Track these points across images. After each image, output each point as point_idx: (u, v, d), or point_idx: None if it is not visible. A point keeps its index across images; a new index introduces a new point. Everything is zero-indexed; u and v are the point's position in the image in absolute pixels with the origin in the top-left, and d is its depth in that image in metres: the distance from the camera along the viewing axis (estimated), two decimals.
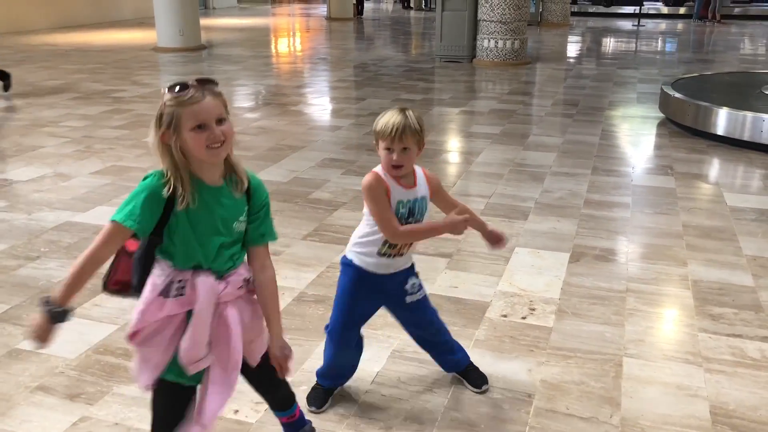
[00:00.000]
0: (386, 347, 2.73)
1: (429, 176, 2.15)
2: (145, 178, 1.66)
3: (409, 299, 2.24)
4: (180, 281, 1.67)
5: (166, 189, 1.61)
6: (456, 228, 2.05)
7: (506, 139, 6.13)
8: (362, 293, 2.20)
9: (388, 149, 1.99)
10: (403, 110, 2.01)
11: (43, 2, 16.02)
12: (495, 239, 2.30)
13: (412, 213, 2.08)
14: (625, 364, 2.62)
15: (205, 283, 1.68)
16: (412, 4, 22.56)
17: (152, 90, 8.53)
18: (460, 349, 2.48)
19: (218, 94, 1.63)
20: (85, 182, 4.84)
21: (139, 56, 11.58)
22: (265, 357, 1.85)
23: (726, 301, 3.12)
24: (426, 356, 2.48)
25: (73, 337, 2.80)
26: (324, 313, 3.00)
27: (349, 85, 9.33)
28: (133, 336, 1.70)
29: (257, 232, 1.77)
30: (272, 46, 14.49)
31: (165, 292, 1.67)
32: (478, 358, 2.59)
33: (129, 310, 2.98)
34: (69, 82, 9.03)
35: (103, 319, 2.95)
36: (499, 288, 3.25)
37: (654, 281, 3.33)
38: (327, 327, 2.32)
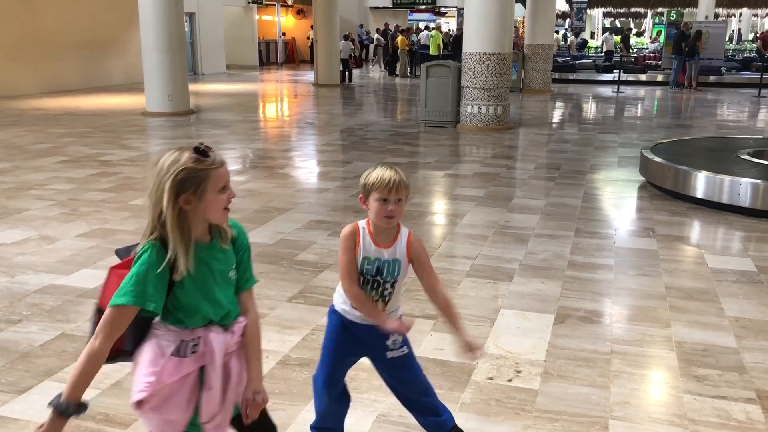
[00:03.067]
0: (371, 411, 2.70)
1: (412, 242, 2.15)
2: (141, 254, 1.64)
3: (390, 354, 2.22)
4: (193, 340, 1.69)
5: (166, 261, 1.62)
6: (397, 331, 2.12)
7: (490, 201, 6.21)
8: (342, 340, 2.22)
9: (384, 200, 2.04)
10: (390, 166, 2.09)
11: (33, 67, 16.25)
12: (468, 349, 2.14)
13: (380, 272, 2.11)
14: (611, 427, 2.61)
15: (217, 338, 1.71)
16: (398, 71, 23.10)
17: (140, 154, 8.60)
18: (445, 411, 2.45)
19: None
20: (70, 245, 4.83)
21: (127, 120, 11.72)
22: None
23: (710, 363, 3.13)
24: (412, 420, 2.45)
25: None
26: (308, 378, 2.97)
27: (336, 149, 9.46)
28: (141, 403, 1.64)
29: (242, 278, 1.81)
30: (260, 111, 14.72)
31: (178, 352, 1.68)
32: (464, 422, 2.56)
33: (110, 374, 2.96)
34: (57, 145, 9.09)
35: None
36: (484, 350, 3.25)
37: (638, 343, 3.34)
38: (314, 378, 2.33)
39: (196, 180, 1.61)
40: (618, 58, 20.32)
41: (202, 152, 1.63)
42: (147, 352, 1.69)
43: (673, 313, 3.69)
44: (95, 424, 2.61)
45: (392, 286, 2.14)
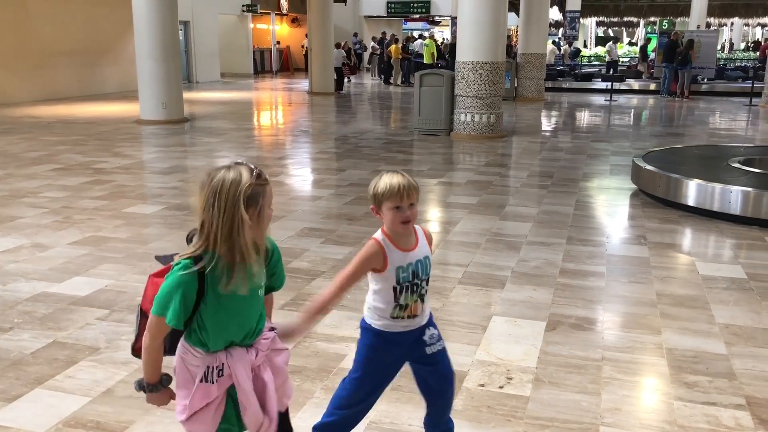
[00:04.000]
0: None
1: (427, 234, 2.23)
2: (174, 269, 1.72)
3: (429, 350, 2.24)
4: (217, 366, 1.79)
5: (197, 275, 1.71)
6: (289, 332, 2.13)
7: (483, 209, 6.24)
8: (381, 352, 2.21)
9: (397, 207, 2.05)
10: (396, 171, 2.11)
11: (26, 75, 16.25)
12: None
13: (416, 275, 2.13)
14: None
15: (241, 360, 1.80)
16: (391, 80, 23.16)
17: (133, 162, 8.60)
18: (451, 421, 2.46)
19: None
20: (63, 253, 4.82)
21: (121, 128, 11.71)
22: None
23: (700, 369, 3.15)
24: (404, 427, 2.46)
25: (44, 410, 2.74)
26: (301, 384, 2.98)
27: (330, 157, 9.48)
28: (185, 422, 1.84)
29: (269, 288, 1.93)
30: (254, 119, 14.74)
31: (205, 378, 1.79)
32: (456, 428, 2.56)
33: (102, 381, 2.96)
34: (50, 153, 9.08)
35: (75, 391, 2.90)
36: (476, 357, 3.26)
37: (629, 350, 3.36)
38: (343, 380, 2.32)
39: (257, 196, 1.70)
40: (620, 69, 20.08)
41: (253, 170, 1.73)
42: (179, 372, 1.85)
43: (664, 320, 3.71)
44: None
45: (427, 282, 2.18)
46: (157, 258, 1.92)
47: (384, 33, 27.07)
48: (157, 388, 1.86)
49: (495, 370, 3.14)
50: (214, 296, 1.72)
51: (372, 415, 2.71)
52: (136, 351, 1.89)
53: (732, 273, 4.51)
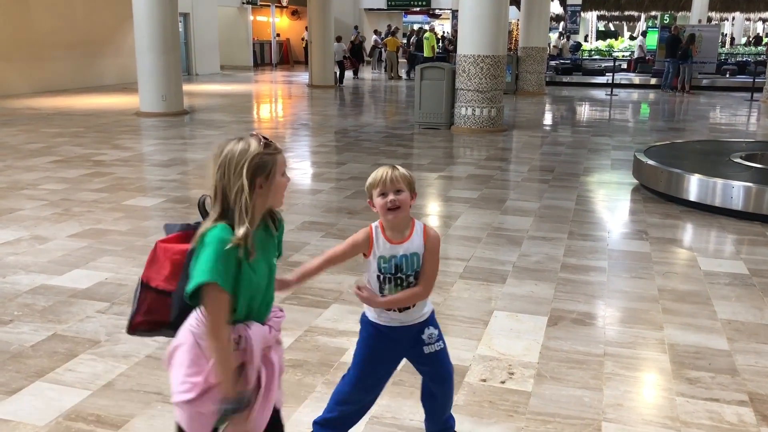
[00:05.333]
0: None
1: (430, 237, 2.15)
2: (208, 234, 1.66)
3: (427, 350, 2.23)
4: (235, 338, 1.73)
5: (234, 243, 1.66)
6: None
7: (484, 203, 6.22)
8: (379, 347, 2.21)
9: (383, 194, 2.07)
10: (390, 165, 2.15)
11: (26, 66, 16.19)
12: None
13: (399, 269, 2.11)
14: (604, 429, 2.61)
15: (257, 335, 1.75)
16: (393, 74, 23.06)
17: (133, 154, 8.57)
18: (452, 417, 2.46)
19: None
20: (62, 245, 4.80)
21: (121, 120, 11.68)
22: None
23: (702, 365, 3.14)
24: (405, 422, 2.46)
25: (44, 404, 2.73)
26: (302, 379, 2.97)
27: (330, 150, 9.46)
28: (189, 403, 1.72)
29: (279, 251, 1.92)
30: (254, 112, 14.70)
31: None
32: (458, 424, 2.55)
33: (102, 374, 2.94)
34: (50, 145, 9.05)
35: (75, 384, 2.89)
36: (478, 352, 3.25)
37: (631, 345, 3.35)
38: (343, 376, 2.33)
39: (267, 165, 1.71)
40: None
41: (265, 139, 1.74)
42: (186, 352, 1.73)
43: (666, 316, 3.70)
44: (86, 425, 2.59)
45: (416, 278, 2.13)
46: (167, 227, 1.86)
47: (389, 26, 26.97)
48: (245, 401, 1.70)
49: (497, 365, 3.12)
50: (245, 263, 1.70)
51: (374, 409, 2.69)
52: (132, 327, 1.80)
53: (734, 268, 4.50)
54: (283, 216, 1.94)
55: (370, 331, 2.22)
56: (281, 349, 1.92)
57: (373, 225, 2.15)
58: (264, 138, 1.74)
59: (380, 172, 2.10)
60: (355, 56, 22.67)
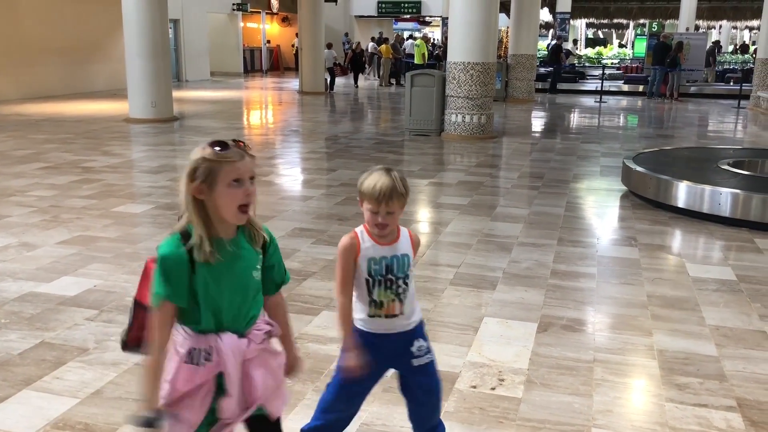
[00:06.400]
0: (355, 419, 2.68)
1: (415, 241, 2.16)
2: (159, 247, 1.70)
3: (416, 362, 2.20)
4: (205, 348, 1.73)
5: (185, 248, 1.67)
6: (349, 367, 2.12)
7: (474, 210, 6.23)
8: (365, 356, 2.17)
9: (375, 212, 2.01)
10: (389, 171, 2.03)
11: (14, 72, 16.10)
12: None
13: (390, 269, 2.08)
14: None
15: (229, 345, 1.73)
16: (384, 81, 23.10)
17: (122, 160, 8.54)
18: (442, 425, 2.45)
19: (252, 156, 1.74)
20: (51, 252, 4.77)
21: (110, 127, 11.63)
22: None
23: (691, 371, 3.16)
24: (395, 429, 2.45)
25: (31, 412, 2.71)
26: (291, 386, 2.95)
27: (321, 157, 9.46)
28: (168, 405, 1.73)
29: (273, 283, 1.89)
30: (244, 118, 14.68)
31: (191, 360, 1.72)
32: (448, 430, 2.55)
33: (91, 382, 2.92)
34: (38, 151, 9.00)
35: (63, 393, 2.87)
36: (468, 358, 3.25)
37: (620, 351, 3.36)
38: (328, 384, 2.30)
39: (207, 171, 1.67)
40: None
41: (222, 145, 1.68)
42: (168, 360, 1.76)
43: (655, 322, 3.72)
44: None
45: (405, 282, 2.11)
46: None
47: (381, 33, 27.02)
48: (159, 421, 1.68)
49: (487, 371, 3.13)
50: (204, 266, 1.69)
51: (364, 416, 2.69)
52: (127, 343, 1.83)
53: (722, 275, 4.53)
54: (273, 222, 1.93)
55: (355, 338, 2.19)
56: (274, 361, 1.87)
57: (358, 230, 2.10)
58: (222, 143, 1.69)
59: (378, 186, 1.99)
60: (356, 64, 22.67)
